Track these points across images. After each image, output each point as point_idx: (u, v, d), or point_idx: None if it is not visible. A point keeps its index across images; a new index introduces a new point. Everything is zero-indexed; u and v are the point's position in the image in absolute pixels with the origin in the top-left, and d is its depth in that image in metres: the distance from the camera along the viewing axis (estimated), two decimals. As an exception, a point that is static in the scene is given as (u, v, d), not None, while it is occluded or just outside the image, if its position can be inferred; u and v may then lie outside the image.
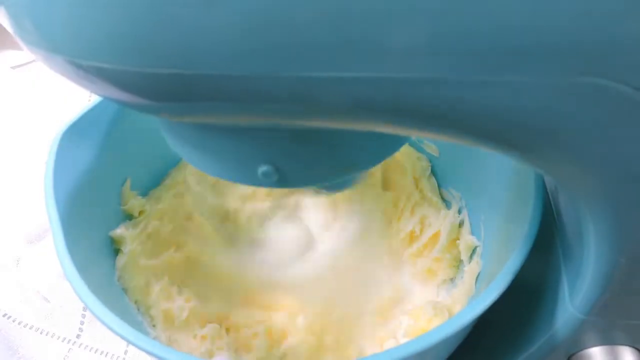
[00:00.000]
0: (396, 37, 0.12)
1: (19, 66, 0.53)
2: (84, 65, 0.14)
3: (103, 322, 0.22)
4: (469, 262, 0.33)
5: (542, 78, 0.13)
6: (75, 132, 0.29)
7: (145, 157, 0.35)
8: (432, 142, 0.38)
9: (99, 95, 0.17)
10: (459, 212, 0.35)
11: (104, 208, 0.32)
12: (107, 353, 0.36)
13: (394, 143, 0.21)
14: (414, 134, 0.16)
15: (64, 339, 0.36)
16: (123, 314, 0.25)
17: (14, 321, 0.34)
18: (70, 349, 0.35)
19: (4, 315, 0.34)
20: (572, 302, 0.23)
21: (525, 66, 0.13)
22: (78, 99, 0.47)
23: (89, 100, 0.41)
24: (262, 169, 0.19)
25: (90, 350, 0.36)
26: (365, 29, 0.12)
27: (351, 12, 0.12)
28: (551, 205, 0.25)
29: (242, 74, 0.13)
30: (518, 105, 0.14)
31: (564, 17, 0.12)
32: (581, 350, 0.26)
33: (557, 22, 0.12)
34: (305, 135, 0.18)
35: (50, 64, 0.15)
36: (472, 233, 0.34)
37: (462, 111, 0.14)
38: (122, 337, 0.22)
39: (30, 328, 0.35)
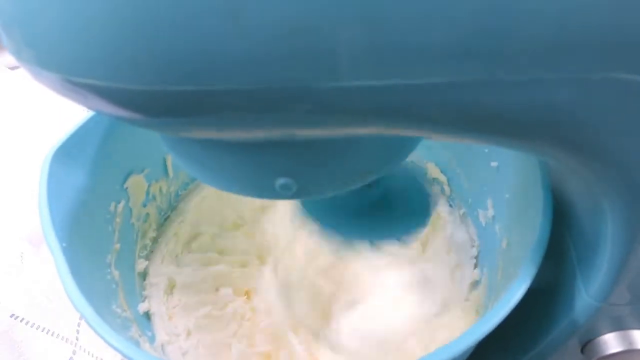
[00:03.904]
0: (429, 41, 0.12)
1: (17, 67, 0.52)
2: (106, 86, 0.13)
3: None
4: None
5: (570, 75, 0.13)
6: (65, 153, 0.28)
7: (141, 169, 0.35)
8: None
9: (98, 111, 0.16)
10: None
11: (101, 226, 0.31)
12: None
13: (407, 148, 0.21)
14: (441, 138, 0.16)
15: (67, 339, 0.35)
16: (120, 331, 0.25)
17: (21, 321, 0.34)
18: (74, 350, 0.35)
19: (10, 316, 0.33)
20: (587, 291, 0.23)
21: (556, 64, 0.13)
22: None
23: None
24: (280, 181, 0.19)
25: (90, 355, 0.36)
26: (399, 36, 0.12)
27: (384, 18, 0.12)
28: (558, 201, 0.26)
29: (268, 87, 0.13)
30: (545, 102, 0.14)
31: (593, 12, 0.12)
32: (595, 338, 0.26)
33: (588, 18, 0.12)
34: (323, 146, 0.18)
35: (47, 82, 0.15)
36: (478, 237, 0.35)
37: (495, 111, 0.14)
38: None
39: (37, 329, 0.34)
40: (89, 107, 0.16)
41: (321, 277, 0.33)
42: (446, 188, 0.38)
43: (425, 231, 0.36)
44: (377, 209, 0.26)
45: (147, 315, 0.33)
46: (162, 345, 0.32)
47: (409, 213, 0.27)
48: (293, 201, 0.29)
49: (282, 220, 0.37)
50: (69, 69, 0.13)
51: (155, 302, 0.34)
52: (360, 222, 0.27)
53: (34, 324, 0.35)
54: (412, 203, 0.28)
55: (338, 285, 0.33)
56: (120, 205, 0.33)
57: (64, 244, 0.25)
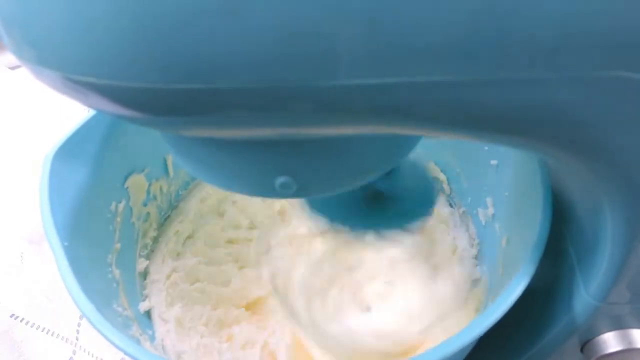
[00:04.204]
0: (429, 40, 0.12)
1: (17, 66, 0.52)
2: (105, 84, 0.13)
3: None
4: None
5: (571, 73, 0.13)
6: (66, 152, 0.28)
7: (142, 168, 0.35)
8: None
9: (99, 110, 0.16)
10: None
11: (102, 225, 0.31)
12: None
13: (407, 147, 0.21)
14: (440, 136, 0.16)
15: (67, 339, 0.35)
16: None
17: (21, 321, 0.34)
18: (74, 350, 0.35)
19: (10, 316, 0.33)
20: (587, 290, 0.23)
21: (555, 63, 0.13)
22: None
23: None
24: (280, 180, 0.19)
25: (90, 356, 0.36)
26: (400, 35, 0.12)
27: (384, 18, 0.12)
28: (557, 200, 0.26)
29: (269, 86, 0.13)
30: (544, 101, 0.14)
31: (592, 11, 0.12)
32: (595, 337, 0.26)
33: (587, 17, 0.12)
34: (323, 144, 0.18)
35: (46, 80, 0.15)
36: (478, 236, 0.35)
37: (496, 110, 0.14)
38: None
39: (37, 329, 0.34)
40: (91, 106, 0.16)
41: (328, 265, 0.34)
42: (446, 187, 0.38)
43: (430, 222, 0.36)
44: (381, 199, 0.26)
45: (148, 314, 0.34)
46: (163, 345, 0.32)
47: (413, 202, 0.27)
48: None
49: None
50: (71, 68, 0.13)
51: (155, 301, 0.34)
52: (365, 214, 0.27)
53: (33, 324, 0.35)
54: (416, 192, 0.28)
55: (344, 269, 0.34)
56: (121, 205, 0.33)
57: (65, 243, 0.25)
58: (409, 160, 0.21)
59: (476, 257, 0.35)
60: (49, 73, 0.14)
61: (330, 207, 0.27)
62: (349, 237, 0.30)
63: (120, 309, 0.29)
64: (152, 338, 0.32)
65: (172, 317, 0.33)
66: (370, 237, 0.31)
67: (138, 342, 0.29)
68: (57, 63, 0.13)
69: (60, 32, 0.13)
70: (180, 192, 0.40)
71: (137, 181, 0.35)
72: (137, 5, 0.12)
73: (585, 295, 0.23)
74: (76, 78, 0.14)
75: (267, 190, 0.19)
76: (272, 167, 0.19)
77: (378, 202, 0.26)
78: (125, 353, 0.22)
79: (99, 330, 0.22)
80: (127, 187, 0.34)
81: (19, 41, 0.14)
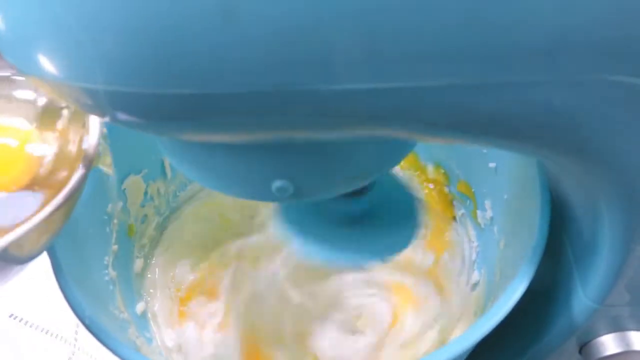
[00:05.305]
0: (425, 44, 0.12)
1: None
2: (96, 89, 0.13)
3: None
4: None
5: (568, 76, 0.13)
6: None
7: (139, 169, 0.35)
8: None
9: (94, 114, 0.16)
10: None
11: (99, 227, 0.31)
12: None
13: (404, 149, 0.21)
14: (437, 140, 0.16)
15: (66, 340, 0.36)
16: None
17: (20, 321, 0.34)
18: (73, 351, 0.36)
19: (10, 316, 0.33)
20: (585, 292, 0.23)
21: (552, 65, 0.13)
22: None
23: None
24: (277, 184, 0.19)
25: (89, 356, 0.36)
26: (395, 39, 0.12)
27: (377, 24, 0.12)
28: (555, 202, 0.26)
29: (270, 90, 0.13)
30: (540, 105, 0.14)
31: (588, 15, 0.12)
32: (593, 339, 0.26)
33: (583, 21, 0.12)
34: (320, 148, 0.18)
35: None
36: (477, 239, 0.35)
37: (493, 114, 0.14)
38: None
39: (36, 329, 0.34)
40: (86, 110, 0.16)
41: (299, 293, 0.33)
42: (444, 189, 0.38)
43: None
44: (362, 222, 0.25)
45: (145, 316, 0.33)
46: (160, 347, 0.32)
47: (395, 227, 0.26)
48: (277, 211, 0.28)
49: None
50: (66, 75, 0.13)
51: (151, 302, 0.34)
52: (344, 236, 0.26)
53: (33, 324, 0.35)
54: (399, 216, 0.26)
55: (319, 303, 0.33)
56: (118, 206, 0.33)
57: (61, 245, 0.25)
58: (395, 180, 0.20)
59: (475, 261, 0.35)
60: (44, 80, 0.14)
61: (306, 222, 0.26)
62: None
63: (117, 312, 0.29)
64: (150, 341, 0.32)
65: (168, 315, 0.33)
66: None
67: (135, 345, 0.29)
68: (52, 71, 0.13)
69: (54, 40, 0.13)
70: (178, 194, 0.40)
71: (135, 182, 0.35)
72: (131, 11, 0.12)
73: (583, 297, 0.23)
74: (70, 84, 0.14)
75: (264, 194, 0.19)
76: (269, 171, 0.19)
77: (358, 225, 0.25)
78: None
79: (97, 337, 0.22)
80: (125, 189, 0.34)
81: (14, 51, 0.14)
